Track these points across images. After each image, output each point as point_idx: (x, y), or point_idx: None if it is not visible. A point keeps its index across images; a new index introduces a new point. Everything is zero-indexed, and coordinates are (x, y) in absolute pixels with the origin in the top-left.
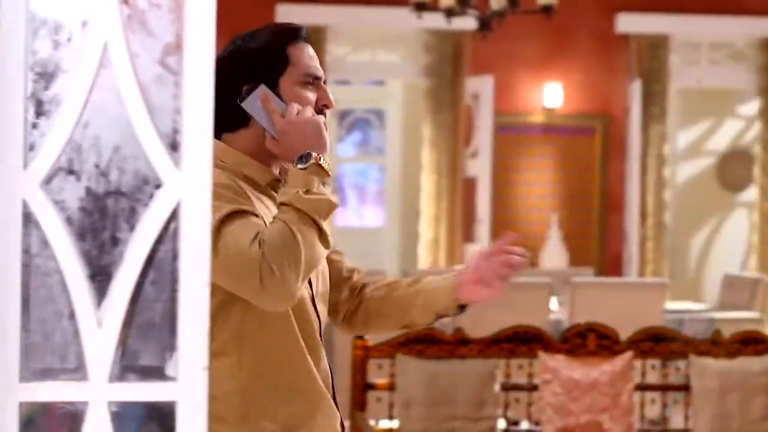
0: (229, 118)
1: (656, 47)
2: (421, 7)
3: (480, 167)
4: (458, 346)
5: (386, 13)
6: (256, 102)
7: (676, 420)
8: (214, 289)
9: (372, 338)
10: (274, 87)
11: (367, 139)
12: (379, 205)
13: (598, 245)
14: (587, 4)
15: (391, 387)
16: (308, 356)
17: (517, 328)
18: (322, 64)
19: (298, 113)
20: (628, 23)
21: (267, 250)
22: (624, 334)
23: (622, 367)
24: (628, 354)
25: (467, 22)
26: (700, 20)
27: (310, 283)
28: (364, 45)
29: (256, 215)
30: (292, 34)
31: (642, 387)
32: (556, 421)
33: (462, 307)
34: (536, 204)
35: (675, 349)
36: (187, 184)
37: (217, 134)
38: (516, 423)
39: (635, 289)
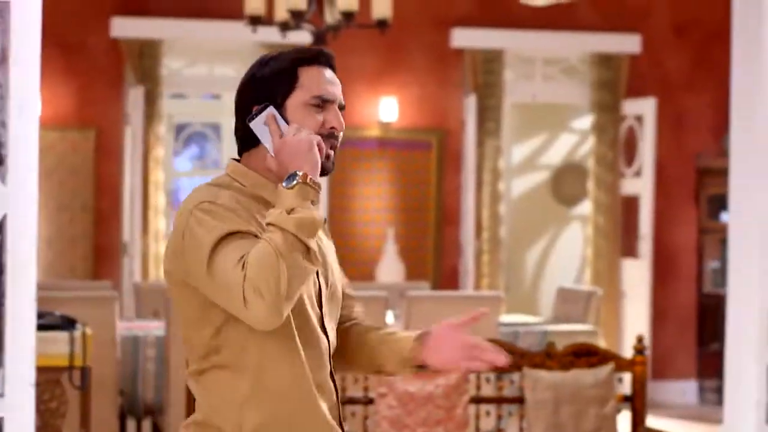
0: (244, 138)
1: (491, 62)
2: (255, 21)
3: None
4: None
5: (221, 26)
6: (262, 122)
7: None
8: (219, 306)
9: None
10: (281, 108)
11: (203, 152)
12: None
13: (434, 259)
14: (422, 19)
15: None
16: (310, 376)
17: None
18: (156, 77)
19: (295, 134)
20: (462, 38)
21: (249, 271)
22: None
23: (457, 380)
24: None
25: (302, 36)
26: (533, 35)
27: (320, 305)
28: (200, 59)
29: (256, 235)
30: (306, 57)
31: (477, 399)
32: None
33: (420, 367)
34: (373, 218)
35: (509, 362)
36: (13, 198)
37: (240, 154)
38: None
39: (470, 303)
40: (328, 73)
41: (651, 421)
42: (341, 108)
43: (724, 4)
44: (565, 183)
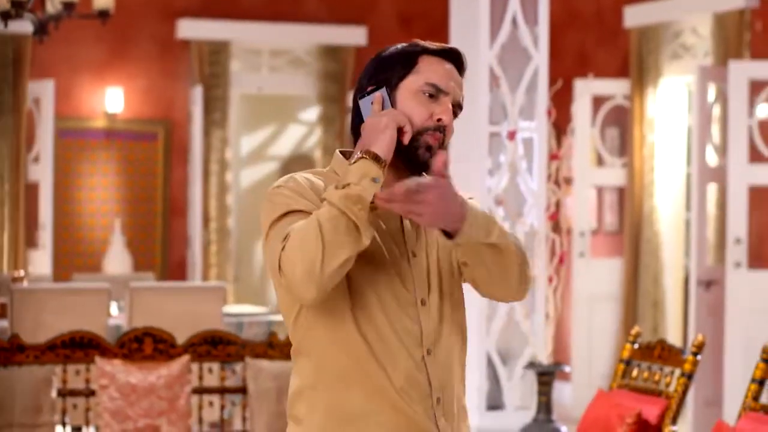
0: (353, 119)
1: (217, 53)
2: None
3: (42, 172)
4: (14, 352)
5: None
6: (370, 102)
7: (236, 422)
8: None
9: None
10: (395, 90)
11: None
12: None
13: (161, 250)
14: (147, 10)
15: None
16: (380, 360)
17: (74, 333)
18: None
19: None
20: (188, 29)
21: (287, 244)
22: (184, 338)
23: (179, 371)
24: (185, 357)
25: (25, 26)
26: (260, 27)
27: (413, 289)
28: None
29: (309, 213)
30: (433, 48)
31: (200, 390)
32: (114, 425)
33: None
34: (99, 209)
35: (232, 352)
36: None
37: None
38: (79, 429)
39: (194, 293)
40: (450, 67)
41: None
42: (458, 108)
43: None
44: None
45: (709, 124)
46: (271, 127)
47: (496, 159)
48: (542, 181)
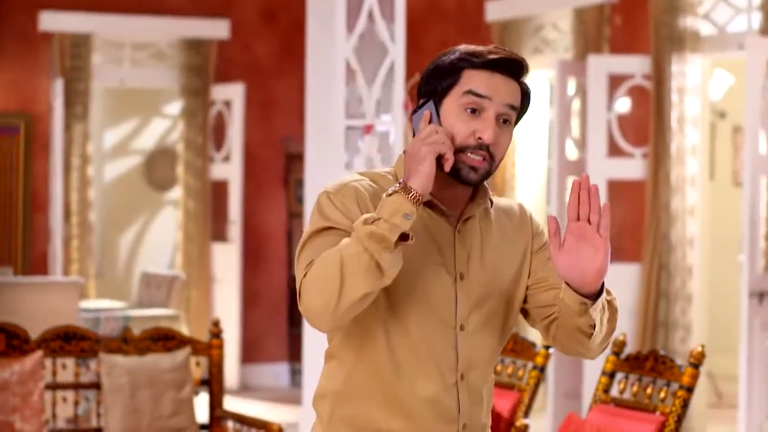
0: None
1: (79, 46)
2: None
3: None
4: None
5: None
6: (420, 118)
7: (91, 418)
8: None
9: None
10: (440, 106)
11: None
12: None
13: (22, 244)
14: (9, 1)
15: None
16: (410, 377)
17: None
18: None
19: (424, 138)
20: (50, 21)
21: (309, 272)
22: (39, 334)
23: (32, 367)
24: (38, 353)
25: None
26: (122, 20)
27: (458, 311)
28: None
29: (348, 233)
30: (478, 59)
31: (53, 386)
32: None
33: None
34: None
35: (86, 348)
36: None
37: None
38: None
39: (50, 289)
40: (498, 79)
41: (242, 404)
42: (505, 120)
43: None
44: (158, 168)
45: (568, 118)
46: (135, 121)
47: (352, 153)
48: None
